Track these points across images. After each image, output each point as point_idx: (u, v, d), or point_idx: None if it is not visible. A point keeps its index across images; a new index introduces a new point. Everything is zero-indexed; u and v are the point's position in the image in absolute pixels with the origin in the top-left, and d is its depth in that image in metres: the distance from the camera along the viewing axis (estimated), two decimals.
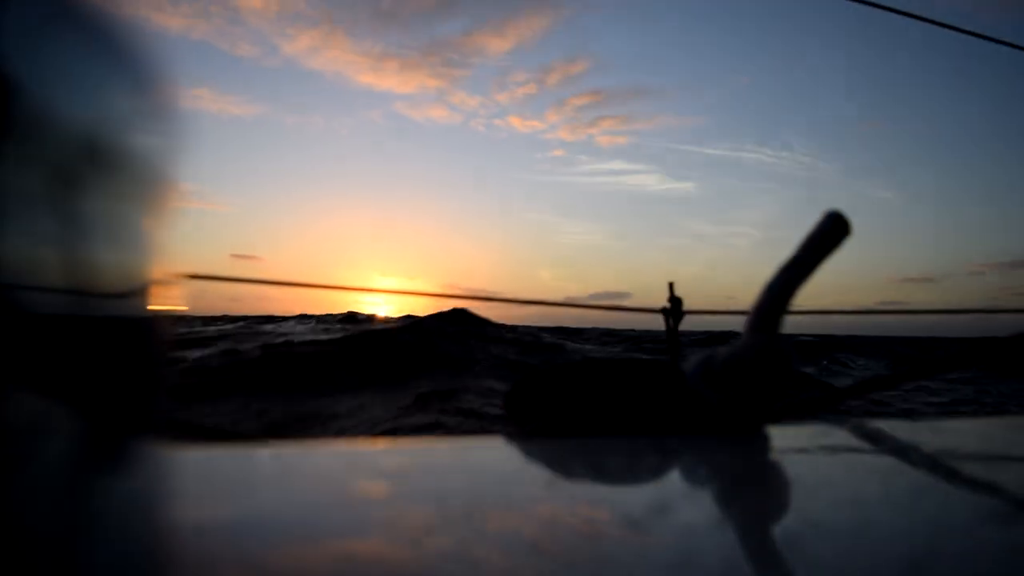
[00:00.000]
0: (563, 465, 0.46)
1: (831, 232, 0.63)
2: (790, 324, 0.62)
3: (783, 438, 0.56)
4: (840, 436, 0.58)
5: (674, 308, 1.99)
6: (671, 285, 2.07)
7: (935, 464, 0.48)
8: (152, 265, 0.22)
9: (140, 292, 0.21)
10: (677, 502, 0.36)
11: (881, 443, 0.55)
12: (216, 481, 0.37)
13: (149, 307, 0.22)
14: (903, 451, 0.52)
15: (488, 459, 0.47)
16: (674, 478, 0.45)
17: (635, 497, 0.37)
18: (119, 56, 0.20)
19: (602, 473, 0.44)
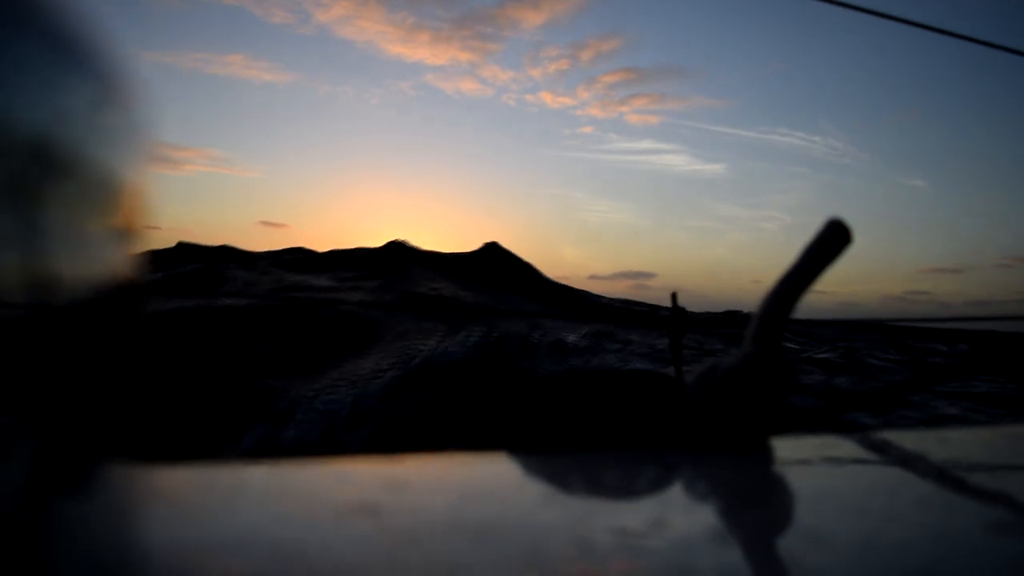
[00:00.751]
0: (563, 480, 0.45)
1: (832, 240, 0.63)
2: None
3: (786, 450, 0.55)
4: (845, 448, 0.57)
5: (677, 319, 1.98)
6: (674, 296, 2.06)
7: (940, 475, 0.47)
8: (112, 275, 0.21)
9: (100, 302, 0.21)
10: (677, 517, 0.35)
11: (886, 454, 0.55)
12: (201, 501, 0.36)
13: (110, 318, 0.21)
14: (908, 462, 0.52)
15: (488, 475, 0.46)
16: (675, 492, 0.44)
17: (635, 512, 0.36)
18: (75, 58, 0.19)
19: (602, 488, 0.43)
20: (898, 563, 0.30)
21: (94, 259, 0.20)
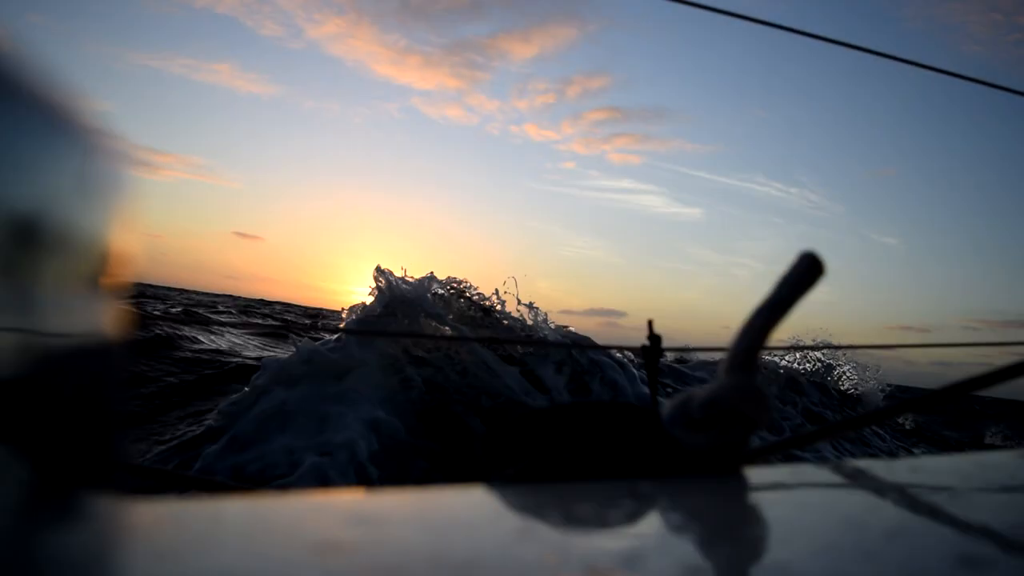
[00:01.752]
0: (540, 513, 0.45)
1: (806, 273, 0.64)
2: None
3: (760, 479, 0.55)
4: (818, 476, 0.57)
5: (653, 346, 1.99)
6: (650, 323, 2.07)
7: (914, 504, 0.48)
8: (101, 329, 0.22)
9: (90, 350, 0.21)
10: (652, 552, 0.35)
11: (858, 483, 0.55)
12: (177, 537, 0.36)
13: (100, 364, 0.21)
14: (880, 491, 0.52)
15: (464, 509, 0.46)
16: (650, 524, 0.44)
17: (609, 545, 0.36)
18: (57, 125, 0.20)
19: (578, 521, 0.43)
20: None
21: (83, 322, 0.20)
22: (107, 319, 0.22)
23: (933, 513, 0.46)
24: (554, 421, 0.63)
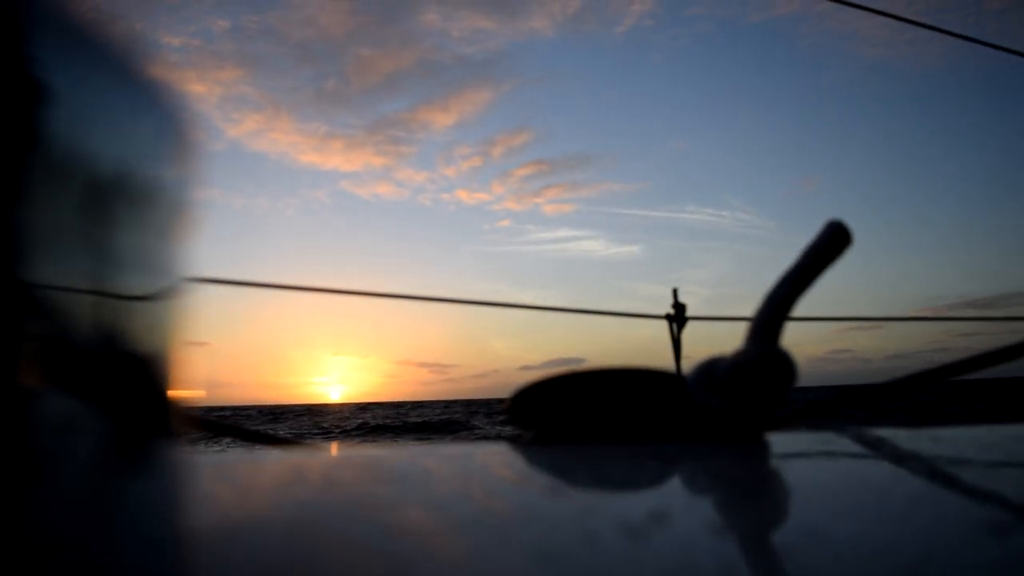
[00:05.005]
0: (564, 473, 0.46)
1: (832, 242, 0.64)
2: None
3: (783, 446, 0.56)
4: (840, 444, 0.58)
5: (677, 314, 1.99)
6: (675, 291, 2.08)
7: (934, 473, 0.48)
8: (174, 287, 0.23)
9: (163, 310, 0.23)
10: (676, 510, 0.36)
11: (881, 451, 0.56)
12: (220, 484, 0.38)
13: (170, 322, 0.23)
14: (903, 459, 0.53)
15: (490, 467, 0.47)
16: (674, 486, 0.45)
17: (635, 505, 0.37)
18: (145, 92, 0.21)
19: (602, 481, 0.44)
20: (890, 558, 0.31)
21: (162, 275, 0.22)
22: (178, 279, 0.23)
23: (957, 482, 0.46)
24: (579, 385, 0.64)
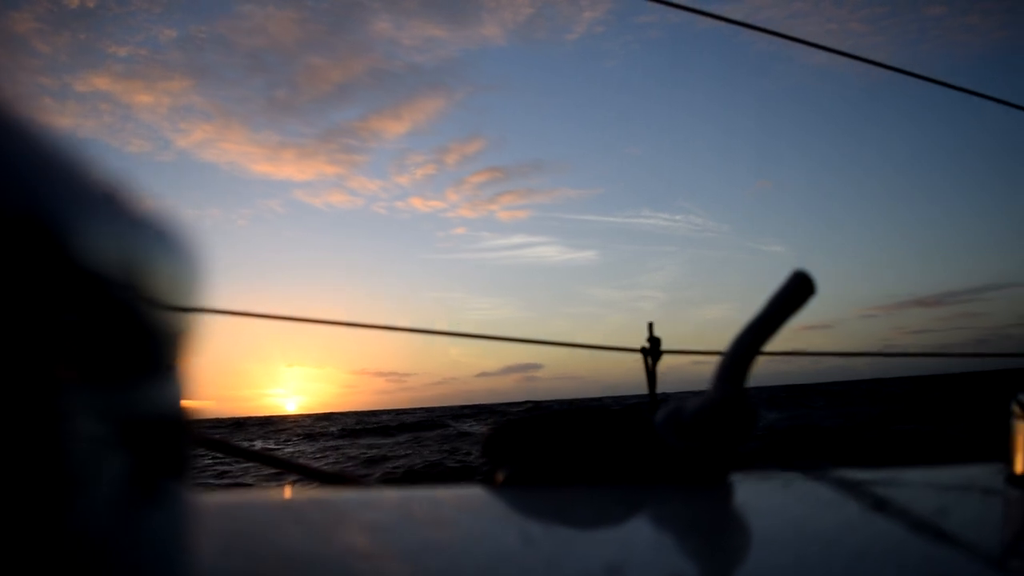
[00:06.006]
0: (534, 519, 0.48)
1: (796, 291, 0.66)
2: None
3: (745, 489, 0.58)
4: (800, 487, 0.60)
5: (653, 348, 2.02)
6: (650, 325, 2.10)
7: (888, 518, 0.50)
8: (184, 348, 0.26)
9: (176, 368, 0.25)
10: (636, 560, 0.38)
11: (839, 494, 0.58)
12: (201, 530, 0.39)
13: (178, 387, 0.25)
14: (859, 503, 0.55)
15: (463, 513, 0.49)
16: (637, 533, 0.47)
17: (598, 555, 0.39)
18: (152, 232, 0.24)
19: (569, 528, 0.46)
20: None
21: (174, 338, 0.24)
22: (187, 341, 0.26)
23: (906, 528, 0.48)
24: (552, 425, 0.66)
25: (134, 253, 0.22)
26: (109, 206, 0.22)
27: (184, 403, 0.26)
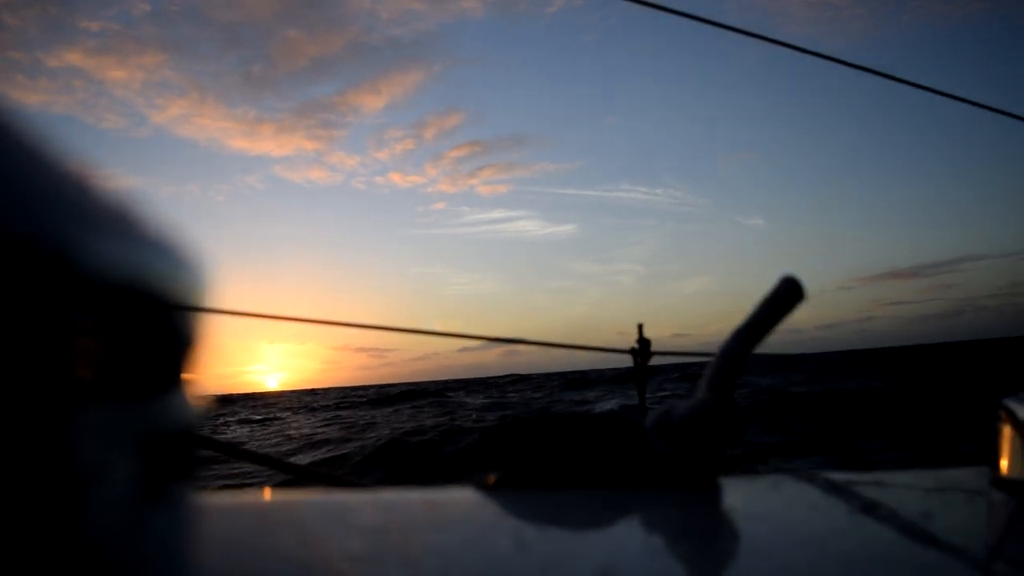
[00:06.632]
0: (523, 521, 0.48)
1: (786, 297, 0.67)
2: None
3: (734, 492, 0.59)
4: (787, 491, 0.61)
5: (642, 349, 2.02)
6: (640, 327, 2.11)
7: (876, 521, 0.51)
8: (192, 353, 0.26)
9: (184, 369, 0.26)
10: (626, 564, 0.38)
11: (824, 499, 0.59)
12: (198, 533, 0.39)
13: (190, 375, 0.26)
14: (846, 507, 0.55)
15: (456, 516, 0.49)
16: (627, 536, 0.47)
17: (589, 558, 0.40)
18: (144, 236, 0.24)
19: (561, 531, 0.47)
20: None
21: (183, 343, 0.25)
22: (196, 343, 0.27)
23: (893, 531, 0.49)
24: (543, 429, 0.67)
25: (142, 264, 0.22)
26: (117, 218, 0.22)
27: (193, 410, 0.26)
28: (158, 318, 0.23)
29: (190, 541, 0.27)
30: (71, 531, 0.18)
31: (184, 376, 0.26)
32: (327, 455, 10.93)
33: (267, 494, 0.50)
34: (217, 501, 0.47)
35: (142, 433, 0.22)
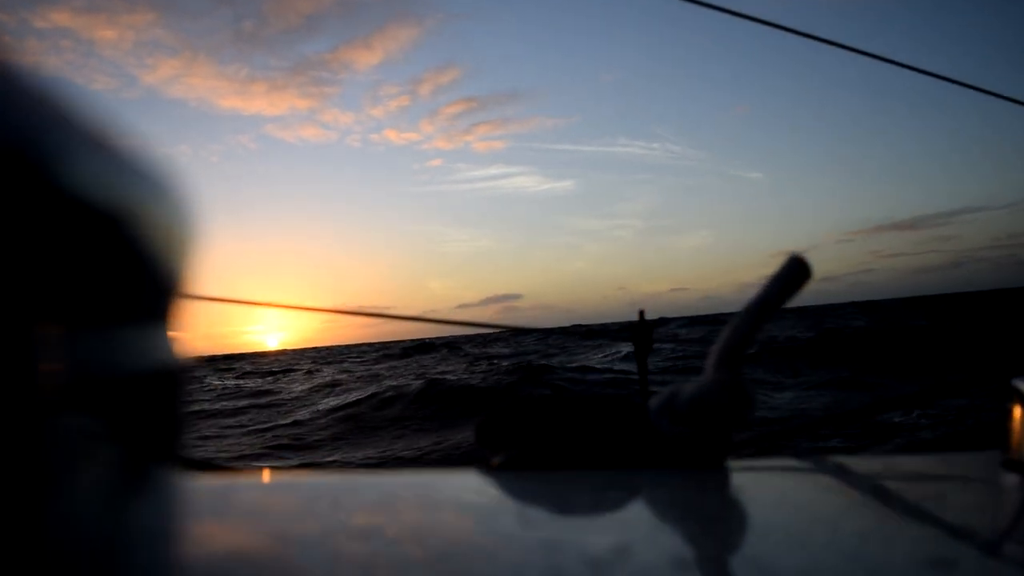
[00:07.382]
0: (530, 503, 0.47)
1: (793, 275, 0.66)
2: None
3: (741, 473, 0.58)
4: (795, 472, 0.60)
5: (643, 334, 2.01)
6: (641, 312, 2.09)
7: (885, 503, 0.50)
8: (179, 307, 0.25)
9: (168, 328, 0.24)
10: (635, 544, 0.38)
11: (834, 480, 0.58)
12: (200, 513, 0.38)
13: (175, 343, 0.25)
14: (854, 489, 0.55)
15: (459, 496, 0.48)
16: (634, 517, 0.47)
17: (597, 538, 0.39)
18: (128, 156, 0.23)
19: (567, 511, 0.46)
20: None
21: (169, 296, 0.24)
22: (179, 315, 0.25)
23: (904, 513, 0.48)
24: (547, 411, 0.66)
25: (123, 191, 0.21)
26: (96, 142, 0.21)
27: (178, 356, 0.25)
28: (136, 249, 0.22)
29: (188, 522, 0.26)
30: (39, 505, 0.17)
31: (168, 316, 0.24)
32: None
33: (264, 472, 0.50)
34: (208, 479, 0.46)
35: (116, 364, 0.21)
